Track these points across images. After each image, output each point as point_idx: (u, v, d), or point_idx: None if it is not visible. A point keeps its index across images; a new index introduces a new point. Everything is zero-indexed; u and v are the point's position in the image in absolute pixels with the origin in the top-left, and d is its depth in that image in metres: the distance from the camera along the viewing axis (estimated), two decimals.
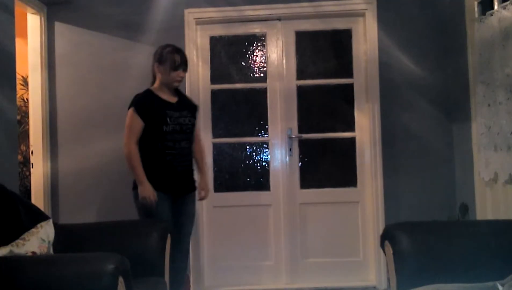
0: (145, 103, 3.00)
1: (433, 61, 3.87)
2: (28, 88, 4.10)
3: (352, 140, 3.95)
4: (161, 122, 2.97)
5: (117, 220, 2.91)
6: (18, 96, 3.93)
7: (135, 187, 3.01)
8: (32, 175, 3.84)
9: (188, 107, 3.16)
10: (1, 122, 3.01)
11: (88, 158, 3.88)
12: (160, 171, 2.98)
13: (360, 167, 3.93)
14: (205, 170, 3.34)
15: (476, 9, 3.45)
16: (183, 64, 3.07)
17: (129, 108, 3.02)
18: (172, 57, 3.04)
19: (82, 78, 3.93)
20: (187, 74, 3.85)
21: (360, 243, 3.91)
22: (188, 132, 3.09)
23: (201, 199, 3.28)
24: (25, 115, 4.33)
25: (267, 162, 3.99)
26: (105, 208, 3.81)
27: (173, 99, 3.10)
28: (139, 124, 2.96)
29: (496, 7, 3.17)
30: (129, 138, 2.95)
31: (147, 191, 2.91)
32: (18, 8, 3.49)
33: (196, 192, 3.23)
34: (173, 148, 2.99)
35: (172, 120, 3.00)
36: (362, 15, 3.91)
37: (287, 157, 3.95)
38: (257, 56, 4.04)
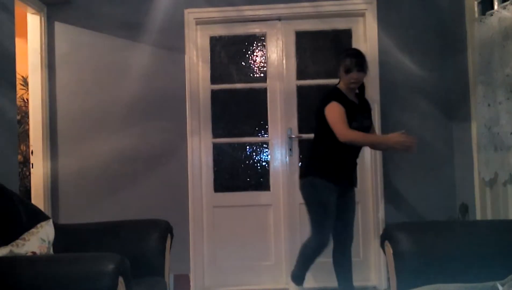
0: (341, 98, 3.13)
1: (433, 61, 3.87)
2: (28, 88, 4.10)
3: None
4: (350, 119, 3.09)
5: (117, 220, 2.91)
6: (18, 96, 3.93)
7: (309, 174, 3.19)
8: (32, 175, 3.84)
9: (367, 109, 3.31)
10: (1, 122, 3.01)
11: (88, 158, 3.88)
12: (338, 165, 3.17)
13: (360, 167, 3.92)
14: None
15: (476, 9, 3.45)
16: (356, 66, 3.14)
17: (327, 104, 3.11)
18: (345, 62, 3.18)
19: (82, 78, 3.93)
20: (186, 74, 3.90)
21: (360, 243, 3.91)
22: (365, 133, 3.19)
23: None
24: (25, 115, 4.33)
25: (267, 162, 3.99)
26: (105, 208, 3.81)
27: (356, 100, 3.24)
28: (343, 110, 3.07)
29: (496, 7, 3.17)
30: (343, 128, 3.04)
31: (398, 139, 3.02)
32: (18, 8, 3.50)
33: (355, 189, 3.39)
34: (352, 146, 3.12)
35: (358, 119, 3.15)
36: (362, 15, 3.91)
37: (287, 157, 3.95)
38: (257, 56, 4.05)
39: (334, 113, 3.07)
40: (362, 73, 3.17)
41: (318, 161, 3.20)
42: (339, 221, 3.25)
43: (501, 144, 3.08)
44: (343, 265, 3.32)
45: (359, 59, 3.17)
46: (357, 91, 3.31)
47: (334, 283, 3.83)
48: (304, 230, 3.90)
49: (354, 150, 3.20)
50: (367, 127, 3.24)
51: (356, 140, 3.07)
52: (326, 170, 3.16)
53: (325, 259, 3.84)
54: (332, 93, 3.19)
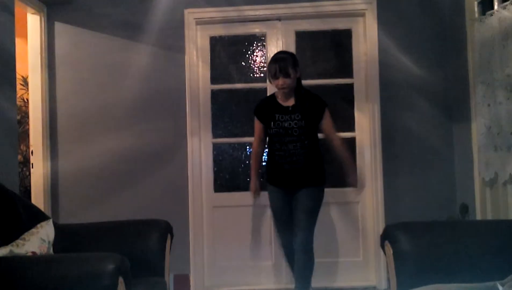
0: (262, 107, 3.33)
1: (433, 61, 3.87)
2: (28, 88, 4.10)
3: (352, 140, 3.95)
4: (268, 125, 3.25)
5: (117, 220, 2.91)
6: (18, 96, 3.93)
7: (266, 180, 3.42)
8: (32, 175, 3.84)
9: (302, 110, 3.20)
10: (1, 122, 3.01)
11: (88, 158, 3.88)
12: (271, 168, 3.34)
13: (360, 167, 3.92)
14: (347, 160, 3.34)
15: (476, 9, 3.45)
16: (279, 72, 3.14)
17: None
18: (269, 67, 3.22)
19: (82, 78, 3.93)
20: (186, 74, 3.90)
21: (360, 243, 3.91)
22: (296, 135, 3.18)
23: (352, 185, 3.44)
24: (25, 115, 4.33)
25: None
26: (105, 208, 3.81)
27: (290, 103, 3.24)
28: (258, 125, 3.34)
29: (496, 7, 3.17)
30: (253, 142, 3.41)
31: (251, 186, 3.46)
32: (18, 8, 3.49)
33: (313, 189, 3.25)
34: (280, 149, 3.22)
35: (276, 124, 3.21)
36: (362, 15, 3.91)
37: None
38: (257, 56, 4.04)
39: (255, 127, 3.37)
40: (287, 78, 3.14)
41: (266, 166, 3.44)
42: (293, 223, 3.27)
43: (501, 144, 3.08)
44: (295, 269, 3.29)
45: (282, 64, 3.13)
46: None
47: (334, 283, 3.85)
48: None
49: (285, 154, 3.20)
50: (294, 129, 3.17)
51: (253, 154, 3.45)
52: (268, 173, 3.39)
53: (325, 259, 3.85)
54: (258, 103, 3.40)
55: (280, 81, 3.15)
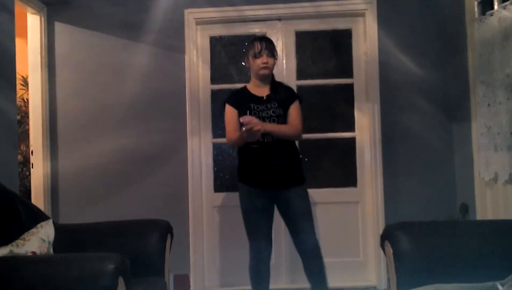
0: (234, 97, 3.05)
1: (433, 61, 3.87)
2: (28, 88, 4.10)
3: (352, 140, 3.95)
4: (243, 115, 2.91)
5: (117, 220, 2.91)
6: (18, 96, 3.93)
7: (238, 180, 3.05)
8: (32, 175, 3.84)
9: (278, 99, 2.99)
10: (1, 122, 3.01)
11: (88, 158, 3.88)
12: (250, 166, 3.00)
13: (360, 167, 3.93)
14: (276, 125, 2.97)
15: (476, 9, 3.45)
16: (265, 50, 2.95)
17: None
18: (253, 45, 2.99)
19: (82, 78, 3.93)
20: (186, 74, 3.89)
21: (360, 243, 3.91)
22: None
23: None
24: (25, 115, 4.33)
25: None
26: (105, 208, 3.81)
27: (263, 93, 3.02)
28: (232, 112, 2.99)
29: (496, 7, 3.17)
30: (228, 131, 3.00)
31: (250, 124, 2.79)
32: (18, 8, 3.50)
33: (301, 187, 3.01)
34: (257, 142, 2.90)
35: (253, 113, 2.93)
36: (362, 15, 3.91)
37: None
38: None
39: (226, 117, 3.02)
40: (271, 58, 2.97)
41: (238, 164, 3.09)
42: (289, 229, 3.06)
43: (501, 144, 3.08)
44: (310, 276, 3.05)
45: (268, 44, 2.99)
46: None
47: (334, 283, 3.84)
48: None
49: (263, 147, 2.92)
50: (272, 118, 2.94)
51: (233, 143, 2.99)
52: (242, 172, 3.04)
53: (325, 259, 3.84)
54: (229, 94, 3.13)
55: (264, 58, 2.95)
